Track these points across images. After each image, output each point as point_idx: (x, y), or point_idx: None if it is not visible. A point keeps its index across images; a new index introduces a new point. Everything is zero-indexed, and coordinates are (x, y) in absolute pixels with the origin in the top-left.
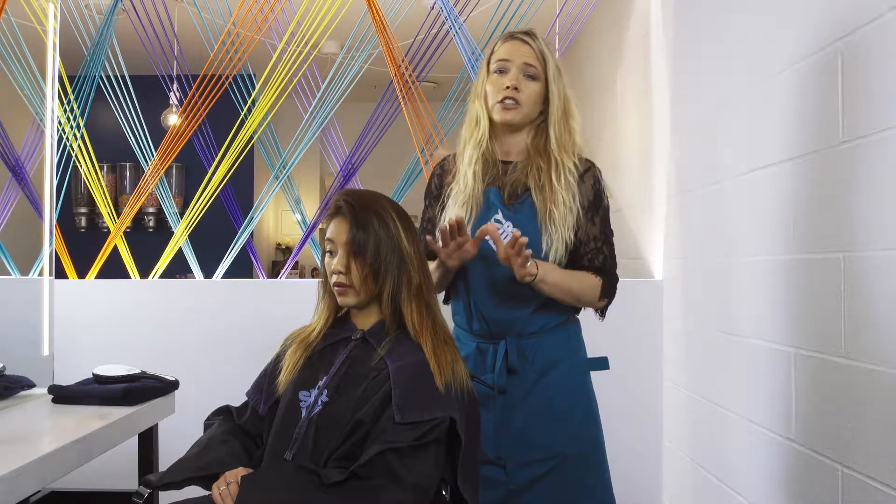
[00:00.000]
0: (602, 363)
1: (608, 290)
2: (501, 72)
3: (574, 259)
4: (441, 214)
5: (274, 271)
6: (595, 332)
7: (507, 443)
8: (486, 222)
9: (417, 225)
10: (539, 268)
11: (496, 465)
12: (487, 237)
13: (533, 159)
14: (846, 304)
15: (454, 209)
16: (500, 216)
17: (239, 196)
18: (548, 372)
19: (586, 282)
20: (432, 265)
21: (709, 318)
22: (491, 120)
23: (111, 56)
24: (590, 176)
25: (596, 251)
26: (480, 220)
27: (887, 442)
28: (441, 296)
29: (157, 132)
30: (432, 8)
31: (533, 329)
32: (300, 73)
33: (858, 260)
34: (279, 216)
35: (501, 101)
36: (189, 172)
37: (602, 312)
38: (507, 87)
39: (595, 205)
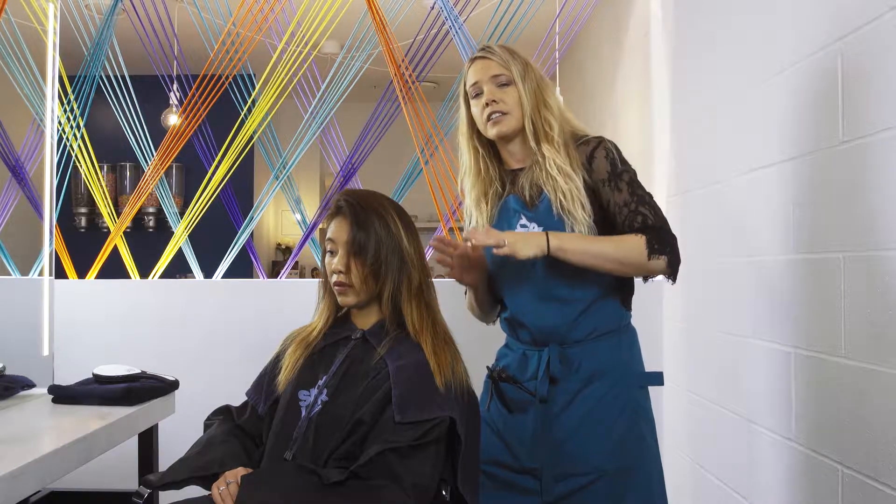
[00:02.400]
0: (655, 378)
1: (658, 245)
2: (477, 95)
3: (617, 232)
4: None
5: (274, 271)
6: None
7: (544, 453)
8: (511, 230)
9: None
10: (551, 238)
11: (531, 476)
12: (470, 243)
13: (535, 159)
14: (846, 304)
15: None
16: (524, 220)
17: (239, 196)
18: (592, 382)
19: (625, 242)
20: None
21: (709, 318)
22: (489, 140)
23: (111, 56)
24: (600, 149)
25: (632, 215)
26: (505, 229)
27: (887, 442)
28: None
29: (157, 132)
30: (432, 8)
31: (578, 336)
32: (300, 73)
33: (858, 260)
34: (279, 216)
35: (489, 119)
36: (189, 172)
37: (671, 275)
38: (487, 105)
39: (614, 173)
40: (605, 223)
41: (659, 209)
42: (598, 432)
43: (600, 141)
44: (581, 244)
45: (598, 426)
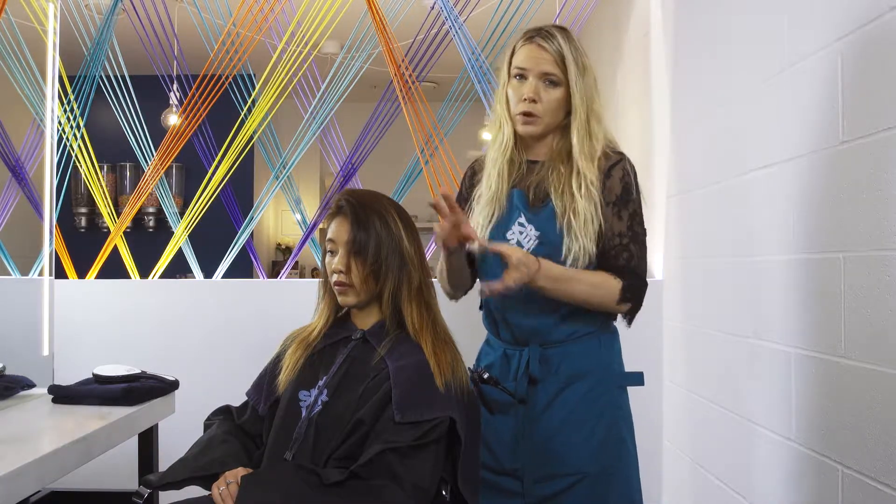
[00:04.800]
0: (636, 378)
1: (630, 295)
2: (521, 77)
3: (601, 257)
4: (469, 215)
5: (274, 271)
6: None
7: (525, 455)
8: (509, 225)
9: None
10: (542, 270)
11: (513, 477)
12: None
13: (555, 163)
14: (846, 304)
15: (478, 210)
16: (522, 219)
17: (239, 196)
18: (572, 383)
19: (602, 285)
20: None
21: (709, 318)
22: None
23: (111, 56)
24: (618, 169)
25: (620, 248)
26: (504, 222)
27: (887, 442)
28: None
29: (157, 132)
30: (432, 8)
31: (560, 337)
32: (300, 73)
33: (858, 260)
34: (279, 216)
35: (521, 114)
36: (189, 172)
37: (628, 319)
38: (525, 100)
39: (623, 199)
40: (598, 241)
41: (645, 250)
42: (579, 434)
43: (620, 159)
44: (561, 288)
45: (578, 428)
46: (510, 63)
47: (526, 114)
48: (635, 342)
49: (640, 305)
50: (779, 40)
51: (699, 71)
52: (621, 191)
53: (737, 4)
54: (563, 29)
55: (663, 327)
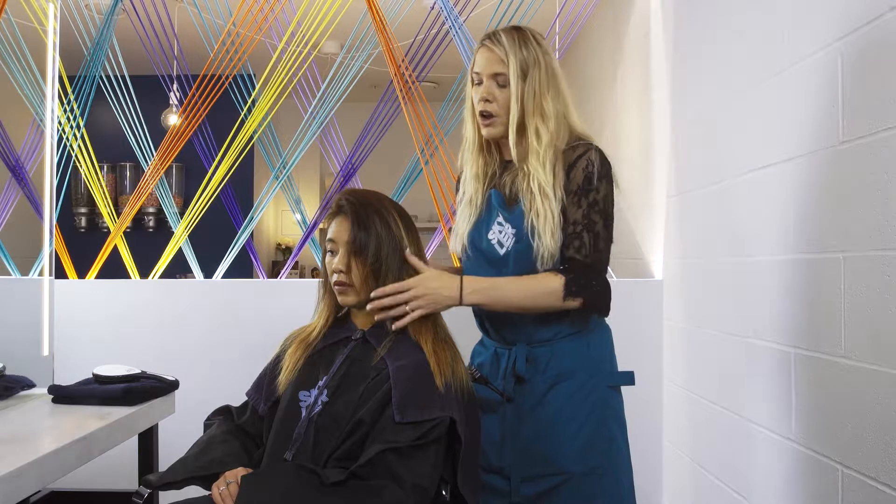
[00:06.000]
0: (626, 378)
1: (576, 289)
2: (478, 81)
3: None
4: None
5: (274, 271)
6: None
7: (512, 454)
8: (489, 226)
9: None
10: (465, 294)
11: (500, 476)
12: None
13: (520, 163)
14: (846, 304)
15: (459, 211)
16: (500, 219)
17: (239, 196)
18: (559, 382)
19: (539, 286)
20: None
21: (709, 318)
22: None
23: (111, 56)
24: (583, 159)
25: (573, 236)
26: (485, 222)
27: (887, 442)
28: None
29: (157, 132)
30: (432, 8)
31: (546, 336)
32: (300, 73)
33: (858, 260)
34: (279, 216)
35: (480, 116)
36: (189, 172)
37: (593, 312)
38: (482, 101)
39: (584, 188)
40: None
41: (602, 241)
42: (567, 433)
43: (586, 150)
44: (495, 298)
45: (566, 427)
46: (472, 69)
47: (484, 115)
48: (635, 342)
49: (600, 297)
50: (779, 40)
51: (699, 71)
52: (582, 180)
53: (737, 4)
54: (515, 29)
55: (663, 327)
